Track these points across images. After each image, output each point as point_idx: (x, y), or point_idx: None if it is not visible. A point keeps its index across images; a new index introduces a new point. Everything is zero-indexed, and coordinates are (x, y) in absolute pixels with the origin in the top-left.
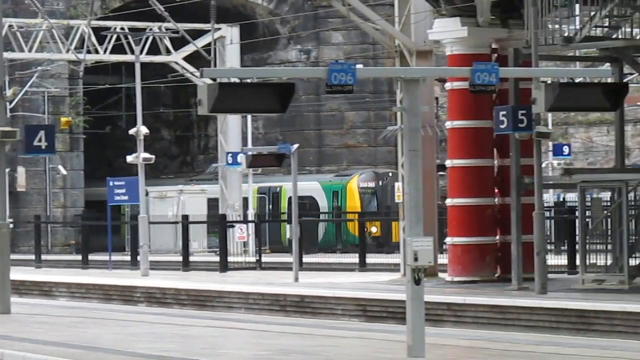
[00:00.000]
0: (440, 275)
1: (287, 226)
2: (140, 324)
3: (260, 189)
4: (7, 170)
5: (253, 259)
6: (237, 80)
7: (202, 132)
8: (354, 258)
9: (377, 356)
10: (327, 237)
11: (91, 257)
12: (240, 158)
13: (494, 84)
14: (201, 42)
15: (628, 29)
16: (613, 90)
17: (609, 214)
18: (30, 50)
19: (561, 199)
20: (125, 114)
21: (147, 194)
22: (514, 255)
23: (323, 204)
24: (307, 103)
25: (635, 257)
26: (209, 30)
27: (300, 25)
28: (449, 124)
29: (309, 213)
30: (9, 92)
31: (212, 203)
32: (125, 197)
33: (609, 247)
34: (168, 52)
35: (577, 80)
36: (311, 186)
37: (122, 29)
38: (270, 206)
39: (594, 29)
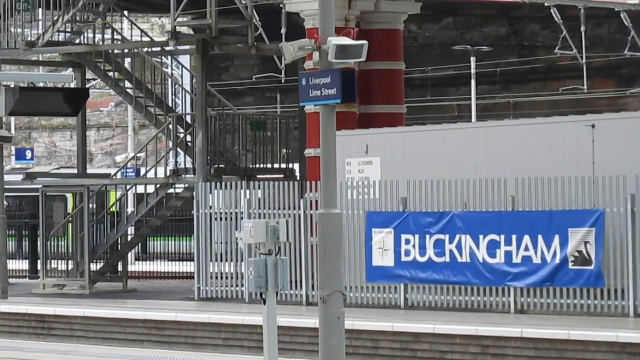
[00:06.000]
0: None
1: None
2: None
3: None
4: None
5: None
6: None
7: None
8: None
9: None
10: None
11: None
12: None
13: None
14: None
15: (90, 35)
16: (74, 95)
17: (70, 219)
18: None
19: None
20: None
21: None
22: None
23: None
24: None
25: (96, 262)
26: None
27: None
28: None
29: None
30: None
31: None
32: None
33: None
34: None
35: (39, 85)
36: None
37: None
38: None
39: (57, 33)
